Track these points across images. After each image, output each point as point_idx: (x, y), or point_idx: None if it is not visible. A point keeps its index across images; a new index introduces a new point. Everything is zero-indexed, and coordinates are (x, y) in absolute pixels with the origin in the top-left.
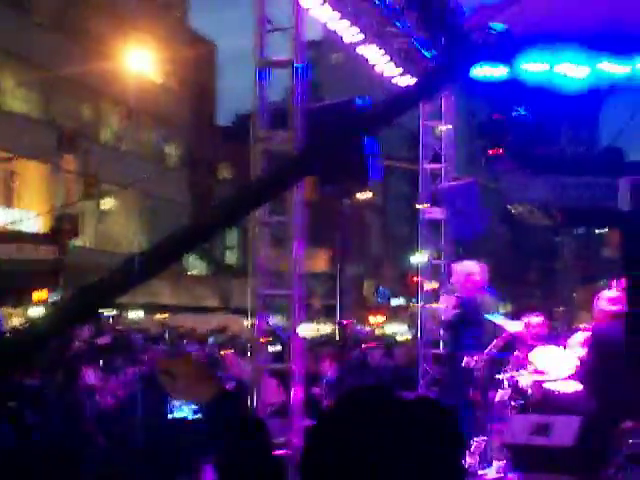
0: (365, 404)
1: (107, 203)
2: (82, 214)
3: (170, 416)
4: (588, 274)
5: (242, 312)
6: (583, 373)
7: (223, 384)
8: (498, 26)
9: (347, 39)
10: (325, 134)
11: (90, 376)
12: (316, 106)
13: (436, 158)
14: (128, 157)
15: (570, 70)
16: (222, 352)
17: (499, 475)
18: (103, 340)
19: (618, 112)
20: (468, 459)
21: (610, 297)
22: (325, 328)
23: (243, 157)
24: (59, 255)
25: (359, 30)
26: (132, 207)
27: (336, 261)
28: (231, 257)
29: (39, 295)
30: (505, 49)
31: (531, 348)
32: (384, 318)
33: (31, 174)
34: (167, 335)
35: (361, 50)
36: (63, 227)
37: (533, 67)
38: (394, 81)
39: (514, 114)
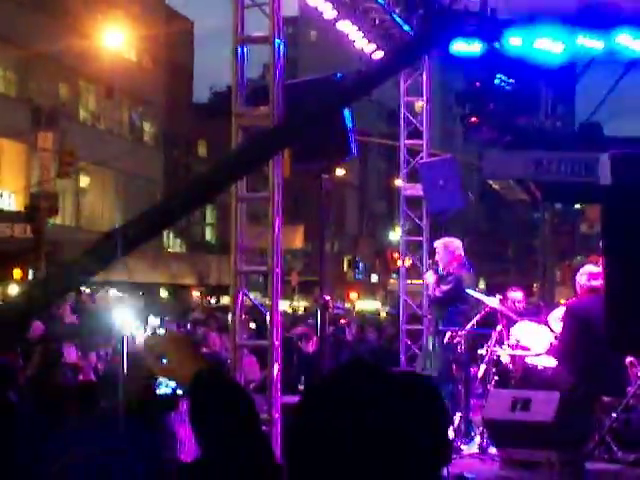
0: (352, 378)
1: (85, 181)
2: (61, 192)
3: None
4: (566, 250)
5: (220, 289)
6: (563, 348)
7: (208, 360)
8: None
9: (327, 15)
10: (303, 109)
11: (71, 354)
12: (294, 82)
13: (415, 134)
14: (105, 135)
15: (547, 45)
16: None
17: (479, 450)
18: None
19: (594, 87)
20: (450, 434)
21: (590, 272)
22: (303, 304)
23: (220, 134)
24: (36, 233)
25: (335, 6)
26: (109, 185)
27: (313, 238)
28: (209, 234)
29: (18, 273)
30: (482, 25)
31: (512, 323)
32: (362, 294)
33: (7, 153)
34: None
35: (340, 26)
36: (41, 205)
37: (510, 42)
38: (373, 57)
39: (495, 82)
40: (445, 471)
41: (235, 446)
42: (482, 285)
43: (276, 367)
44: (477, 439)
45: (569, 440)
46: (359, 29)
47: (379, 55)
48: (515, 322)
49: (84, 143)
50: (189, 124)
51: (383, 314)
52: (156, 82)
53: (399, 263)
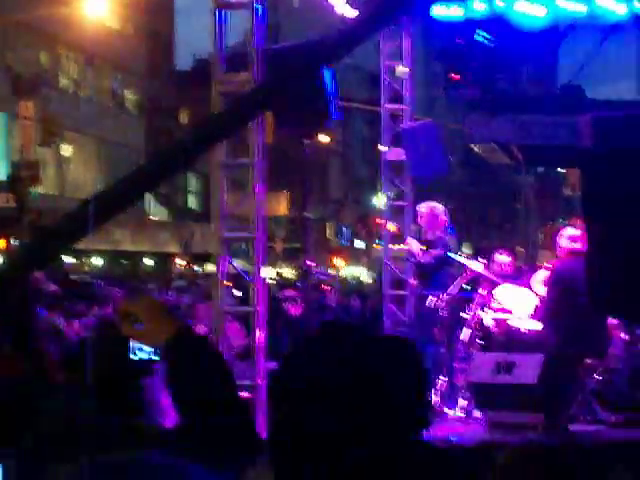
0: (336, 338)
1: (67, 149)
2: (43, 161)
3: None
4: (549, 213)
5: (204, 257)
6: (545, 311)
7: (183, 323)
8: None
9: None
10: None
11: (55, 321)
12: (275, 48)
13: (397, 99)
14: (86, 103)
15: (529, 8)
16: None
17: (464, 413)
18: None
19: (577, 51)
20: (433, 397)
21: (571, 235)
22: (287, 271)
23: (203, 102)
24: (19, 202)
25: None
26: (91, 153)
27: (296, 204)
28: (193, 202)
29: (2, 243)
30: None
31: (495, 286)
32: (346, 260)
33: None
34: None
35: None
36: (23, 174)
37: (491, 5)
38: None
39: (476, 37)
40: (430, 433)
41: (211, 409)
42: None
43: (260, 333)
44: (461, 402)
45: (553, 402)
46: None
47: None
48: (498, 285)
49: (65, 111)
50: (171, 91)
51: (366, 280)
52: (137, 49)
53: (382, 229)
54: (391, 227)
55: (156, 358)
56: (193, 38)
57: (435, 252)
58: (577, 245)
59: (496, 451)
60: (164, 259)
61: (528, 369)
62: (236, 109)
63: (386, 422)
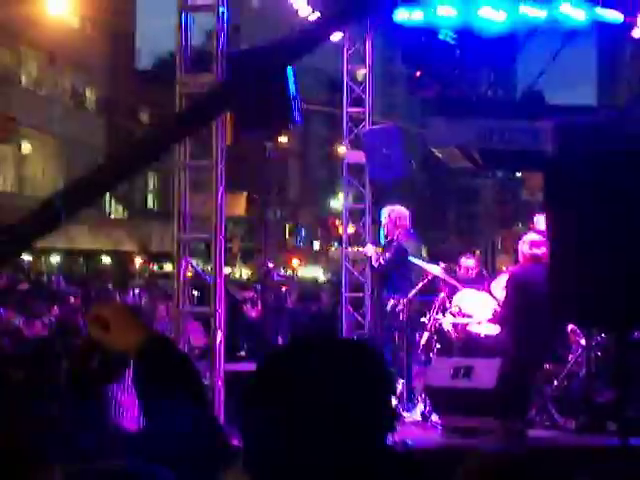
0: (301, 350)
1: (26, 147)
2: (2, 158)
3: None
4: (508, 217)
5: (162, 256)
6: (504, 316)
7: (152, 329)
8: None
9: None
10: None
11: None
12: (238, 51)
13: (357, 102)
14: (47, 101)
15: (490, 13)
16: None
17: (422, 417)
18: (23, 285)
19: (536, 57)
20: (393, 402)
21: (533, 240)
22: (244, 272)
23: (164, 100)
24: None
25: None
26: (51, 151)
27: (255, 205)
28: (151, 201)
29: None
30: None
31: (455, 291)
32: (303, 261)
33: None
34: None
35: None
36: None
37: (450, 11)
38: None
39: (440, 36)
40: (389, 438)
41: (180, 416)
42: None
43: (219, 334)
44: (419, 406)
45: (511, 407)
46: None
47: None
48: (457, 290)
49: (26, 109)
50: (131, 90)
51: (323, 281)
52: (98, 48)
53: (341, 230)
54: (350, 229)
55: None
56: (154, 37)
57: (387, 255)
58: (537, 251)
59: (453, 456)
60: (122, 257)
61: (486, 374)
62: (197, 108)
63: (353, 428)
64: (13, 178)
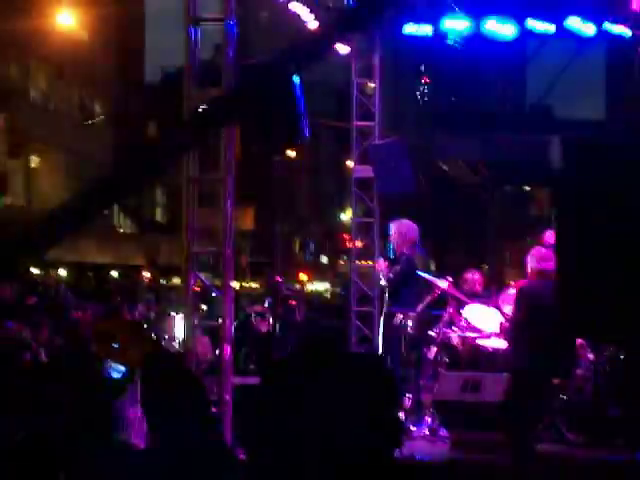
0: (308, 362)
1: (35, 161)
2: (11, 172)
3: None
4: (516, 231)
5: (170, 270)
6: (512, 330)
7: (158, 343)
8: None
9: None
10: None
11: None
12: (247, 64)
13: (366, 116)
14: (55, 116)
15: (498, 27)
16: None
17: (429, 431)
18: (31, 299)
19: (545, 70)
20: (401, 416)
21: (541, 255)
22: (253, 285)
23: (171, 115)
24: None
25: None
26: (60, 165)
27: (263, 219)
28: (159, 215)
29: None
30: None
31: (463, 305)
32: (311, 276)
33: None
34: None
35: (292, 7)
36: None
37: (459, 25)
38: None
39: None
40: (397, 452)
41: (185, 430)
42: (432, 267)
43: (228, 348)
44: (427, 420)
45: (519, 422)
46: (311, 11)
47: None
48: (465, 304)
49: (34, 123)
50: (140, 104)
51: (331, 295)
52: (107, 62)
53: (350, 245)
54: (358, 243)
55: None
56: (161, 51)
57: (397, 268)
58: (546, 265)
59: (461, 470)
60: (130, 271)
61: (494, 388)
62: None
63: (360, 442)
64: (22, 192)
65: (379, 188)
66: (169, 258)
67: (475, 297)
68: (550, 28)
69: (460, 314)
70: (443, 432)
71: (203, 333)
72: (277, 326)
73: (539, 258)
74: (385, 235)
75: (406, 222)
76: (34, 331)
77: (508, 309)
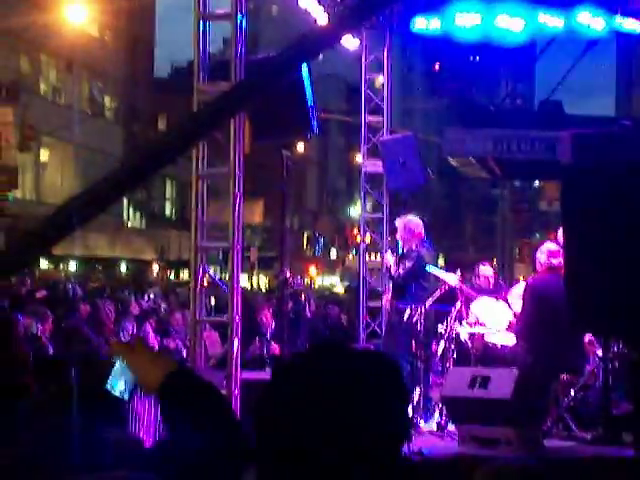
0: (318, 358)
1: (45, 155)
2: (21, 166)
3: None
4: (525, 227)
5: (180, 264)
6: (521, 326)
7: (175, 361)
8: None
9: None
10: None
11: (34, 327)
12: (257, 58)
13: (375, 111)
14: (65, 109)
15: (507, 23)
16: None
17: (438, 427)
18: (41, 293)
19: (555, 66)
20: (410, 411)
21: (550, 250)
22: (262, 280)
23: (181, 109)
24: None
25: None
26: (69, 159)
27: (272, 213)
28: (169, 209)
29: None
30: (442, 1)
31: (472, 300)
32: (320, 270)
33: None
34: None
35: (302, 3)
36: (0, 179)
37: (469, 19)
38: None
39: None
40: (405, 447)
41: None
42: (441, 261)
43: (236, 343)
44: (436, 416)
45: (527, 417)
46: (321, 5)
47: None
48: (474, 299)
49: (44, 117)
50: (150, 99)
51: (340, 290)
52: (117, 57)
53: (359, 239)
54: (367, 238)
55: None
56: (171, 46)
57: (407, 264)
58: (555, 261)
59: (469, 466)
60: (140, 266)
61: (503, 384)
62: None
63: (368, 438)
64: (32, 186)
65: (389, 183)
66: (178, 253)
67: (485, 292)
68: (559, 23)
69: (469, 309)
70: (451, 427)
71: (211, 328)
72: (285, 321)
73: (548, 253)
74: (394, 230)
75: (412, 217)
76: (43, 325)
77: (517, 304)
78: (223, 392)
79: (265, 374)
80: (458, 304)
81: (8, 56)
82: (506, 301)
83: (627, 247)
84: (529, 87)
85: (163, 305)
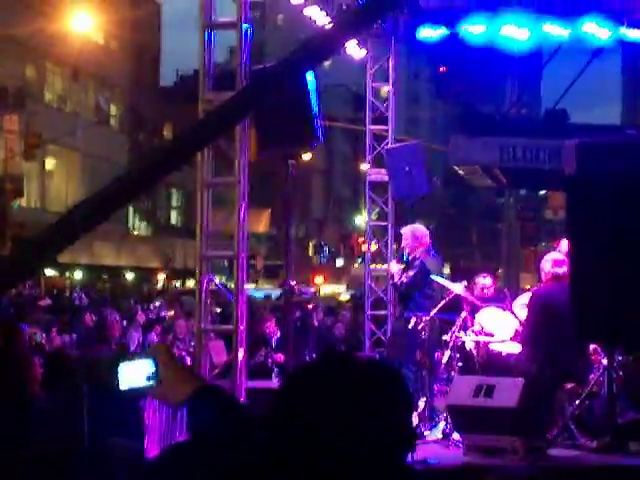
0: (326, 368)
1: (50, 163)
2: (26, 174)
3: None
4: (531, 236)
5: (185, 272)
6: (527, 335)
7: (203, 379)
8: None
9: (295, 0)
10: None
11: (38, 336)
12: (262, 68)
13: (381, 120)
14: (71, 118)
15: (513, 32)
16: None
17: (443, 436)
18: (45, 301)
19: (561, 75)
20: (414, 420)
21: (555, 259)
22: (267, 289)
23: (186, 118)
24: (1, 215)
25: None
26: (75, 167)
27: (278, 222)
28: (175, 218)
29: None
30: (448, 10)
31: (477, 309)
32: (326, 279)
33: None
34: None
35: (307, 11)
36: (6, 187)
37: (475, 29)
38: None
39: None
40: (409, 456)
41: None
42: (447, 270)
43: (241, 352)
44: (441, 425)
45: (532, 426)
46: (327, 14)
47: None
48: (480, 308)
49: (50, 125)
50: (155, 107)
51: (346, 298)
52: (122, 65)
53: (364, 248)
54: (373, 247)
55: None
56: (177, 54)
57: (411, 273)
58: (560, 270)
59: (474, 475)
60: (145, 274)
61: (508, 393)
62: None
63: (372, 446)
64: (37, 194)
65: (394, 192)
66: (184, 261)
67: (489, 301)
68: (565, 33)
69: (474, 318)
70: (456, 436)
71: (216, 336)
72: (290, 330)
73: (554, 262)
74: (400, 239)
75: (418, 226)
76: (47, 334)
77: (522, 313)
78: None
79: (270, 383)
80: (463, 313)
81: (14, 64)
82: (511, 310)
83: (632, 257)
84: (535, 96)
85: (168, 314)
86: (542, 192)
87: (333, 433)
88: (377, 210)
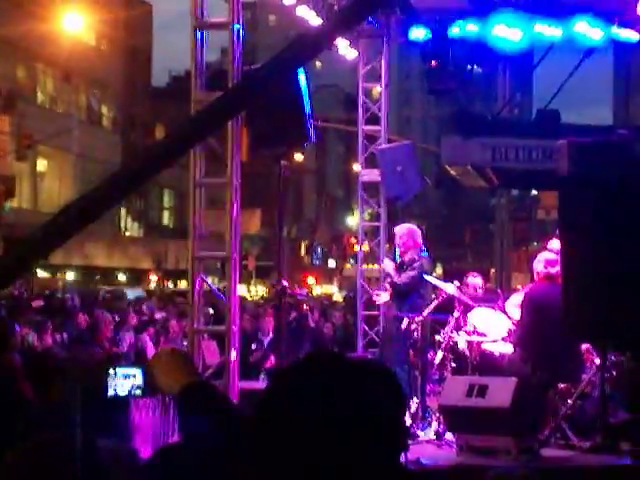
0: (314, 368)
1: (42, 164)
2: (18, 175)
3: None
4: (523, 236)
5: (178, 273)
6: (519, 335)
7: (198, 373)
8: None
9: (287, 1)
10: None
11: (30, 337)
12: (254, 68)
13: (373, 120)
14: (63, 118)
15: (505, 32)
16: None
17: (436, 436)
18: (37, 302)
19: (552, 75)
20: (407, 420)
21: (548, 259)
22: (259, 289)
23: (179, 118)
24: None
25: None
26: (67, 168)
27: (270, 222)
28: (167, 219)
29: None
30: (440, 11)
31: (469, 310)
32: (318, 279)
33: None
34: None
35: (299, 12)
36: None
37: (467, 29)
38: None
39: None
40: (402, 456)
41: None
42: (439, 271)
43: (233, 353)
44: (434, 425)
45: (525, 426)
46: (318, 15)
47: (339, 41)
48: (472, 308)
49: (42, 126)
50: (147, 108)
51: (338, 299)
52: (114, 66)
53: (356, 248)
54: (365, 247)
55: (137, 393)
56: (169, 55)
57: (411, 273)
58: (552, 270)
59: (467, 475)
60: (137, 275)
61: (501, 393)
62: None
63: (365, 449)
64: (29, 195)
65: (387, 192)
66: (176, 262)
67: (482, 301)
68: (557, 33)
69: (467, 318)
70: (449, 437)
71: (209, 337)
72: (283, 331)
73: (546, 262)
74: (392, 239)
75: (411, 226)
76: (40, 335)
77: (515, 313)
78: None
79: (263, 383)
80: (456, 313)
81: (5, 65)
82: (503, 310)
83: (624, 256)
84: (527, 96)
85: (160, 315)
86: (534, 192)
87: (322, 433)
88: (370, 211)
